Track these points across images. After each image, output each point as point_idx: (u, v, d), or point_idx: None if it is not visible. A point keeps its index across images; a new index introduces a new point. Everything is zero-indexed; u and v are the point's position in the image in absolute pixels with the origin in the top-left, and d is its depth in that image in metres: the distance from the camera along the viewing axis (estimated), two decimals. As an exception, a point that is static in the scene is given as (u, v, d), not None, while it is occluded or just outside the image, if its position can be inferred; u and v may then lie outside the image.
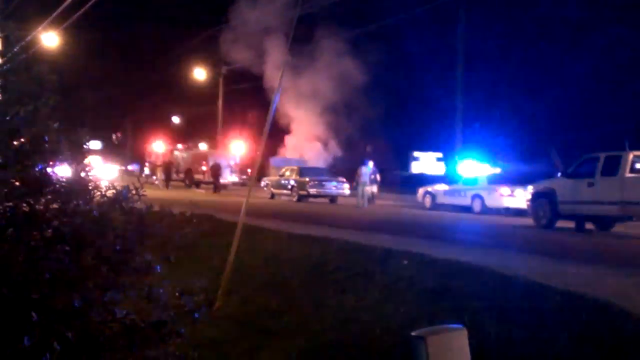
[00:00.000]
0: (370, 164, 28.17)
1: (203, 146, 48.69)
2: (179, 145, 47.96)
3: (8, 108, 4.23)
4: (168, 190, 36.50)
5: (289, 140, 42.32)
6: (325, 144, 41.22)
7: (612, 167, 16.19)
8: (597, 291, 7.04)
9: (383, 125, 42.14)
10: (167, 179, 40.26)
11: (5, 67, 4.46)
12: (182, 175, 43.01)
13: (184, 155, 44.49)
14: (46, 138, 4.34)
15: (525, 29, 39.48)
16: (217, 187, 36.46)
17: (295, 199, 29.81)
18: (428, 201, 27.35)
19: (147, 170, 47.98)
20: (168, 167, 41.24)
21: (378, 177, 29.05)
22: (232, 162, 42.90)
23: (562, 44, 38.96)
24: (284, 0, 32.74)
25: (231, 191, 37.51)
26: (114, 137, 64.21)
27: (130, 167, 53.14)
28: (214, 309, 8.65)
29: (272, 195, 31.66)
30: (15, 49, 5.01)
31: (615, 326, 5.98)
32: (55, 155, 4.42)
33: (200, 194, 33.89)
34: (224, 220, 14.53)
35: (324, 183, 29.72)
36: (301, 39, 30.63)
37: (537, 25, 39.04)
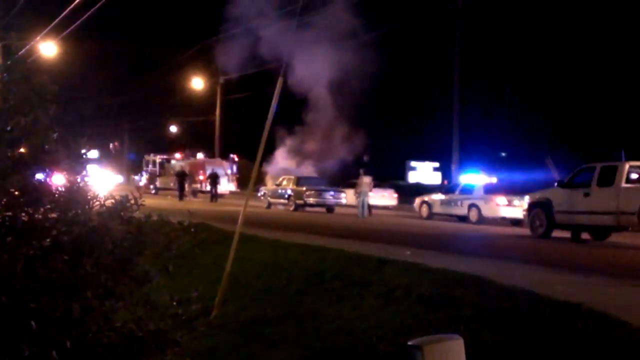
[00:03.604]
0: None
1: (200, 155, 48.59)
2: (177, 155, 47.91)
3: (8, 118, 4.26)
4: (182, 201, 34.62)
5: (283, 149, 42.20)
6: (320, 153, 41.15)
7: (608, 178, 16.24)
8: (593, 301, 7.06)
9: (380, 135, 42.22)
10: (182, 189, 37.73)
11: (5, 76, 4.48)
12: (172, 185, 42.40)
13: (182, 164, 44.34)
14: (46, 148, 4.37)
15: (523, 38, 39.72)
16: (214, 196, 36.38)
17: (292, 208, 29.80)
18: (425, 211, 27.36)
19: (143, 180, 47.76)
20: (182, 177, 38.73)
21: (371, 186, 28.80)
22: (229, 171, 42.84)
23: (559, 53, 39.17)
24: (279, 13, 32.79)
25: (228, 200, 37.49)
26: (111, 146, 64.23)
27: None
28: (211, 318, 8.66)
29: (269, 205, 31.65)
30: (15, 58, 5.05)
31: (612, 336, 6.01)
32: (54, 165, 4.44)
33: (195, 203, 33.81)
34: (221, 230, 14.55)
35: (321, 192, 29.71)
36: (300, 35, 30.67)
37: (534, 34, 39.28)
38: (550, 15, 38.24)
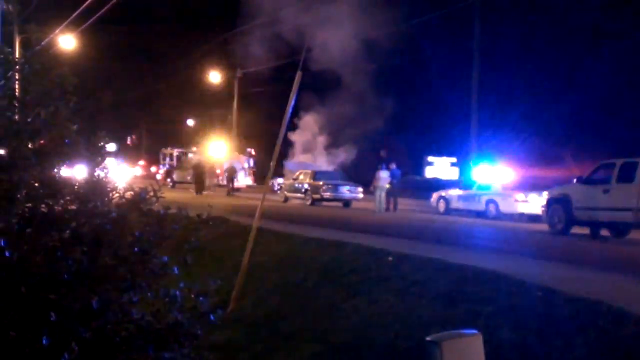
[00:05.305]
0: (393, 166, 27.62)
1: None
2: (194, 148, 48.02)
3: (29, 110, 4.28)
4: (199, 195, 33.62)
5: (299, 143, 42.15)
6: (337, 149, 41.10)
7: (629, 174, 16.06)
8: (613, 298, 6.99)
9: (398, 130, 42.09)
10: (199, 184, 35.63)
11: (26, 68, 4.51)
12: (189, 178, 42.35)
13: (199, 158, 44.36)
14: (66, 140, 4.39)
15: (542, 33, 39.34)
16: (232, 190, 36.41)
17: (309, 202, 29.78)
18: (442, 206, 27.22)
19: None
20: (200, 171, 36.63)
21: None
22: (246, 166, 42.91)
23: (578, 48, 38.76)
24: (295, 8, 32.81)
25: (246, 194, 37.54)
26: (129, 139, 64.59)
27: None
28: (229, 312, 8.68)
29: (286, 199, 31.68)
30: (35, 50, 5.07)
31: (633, 334, 5.95)
32: (74, 157, 4.46)
33: (212, 197, 33.83)
34: (238, 224, 14.58)
35: (338, 187, 29.64)
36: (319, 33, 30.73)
37: (553, 30, 38.88)
38: (566, 11, 37.83)
